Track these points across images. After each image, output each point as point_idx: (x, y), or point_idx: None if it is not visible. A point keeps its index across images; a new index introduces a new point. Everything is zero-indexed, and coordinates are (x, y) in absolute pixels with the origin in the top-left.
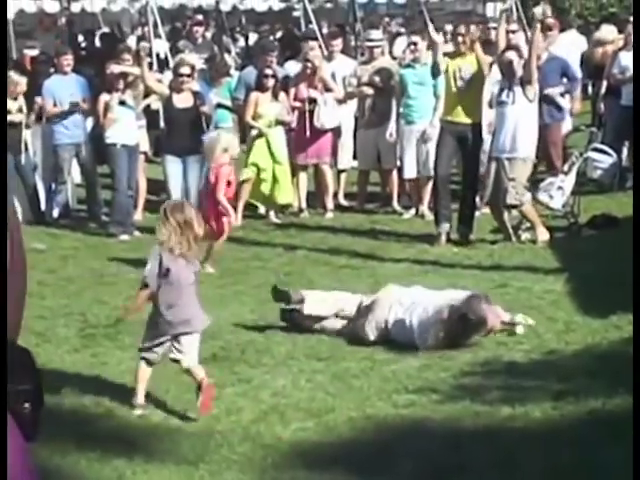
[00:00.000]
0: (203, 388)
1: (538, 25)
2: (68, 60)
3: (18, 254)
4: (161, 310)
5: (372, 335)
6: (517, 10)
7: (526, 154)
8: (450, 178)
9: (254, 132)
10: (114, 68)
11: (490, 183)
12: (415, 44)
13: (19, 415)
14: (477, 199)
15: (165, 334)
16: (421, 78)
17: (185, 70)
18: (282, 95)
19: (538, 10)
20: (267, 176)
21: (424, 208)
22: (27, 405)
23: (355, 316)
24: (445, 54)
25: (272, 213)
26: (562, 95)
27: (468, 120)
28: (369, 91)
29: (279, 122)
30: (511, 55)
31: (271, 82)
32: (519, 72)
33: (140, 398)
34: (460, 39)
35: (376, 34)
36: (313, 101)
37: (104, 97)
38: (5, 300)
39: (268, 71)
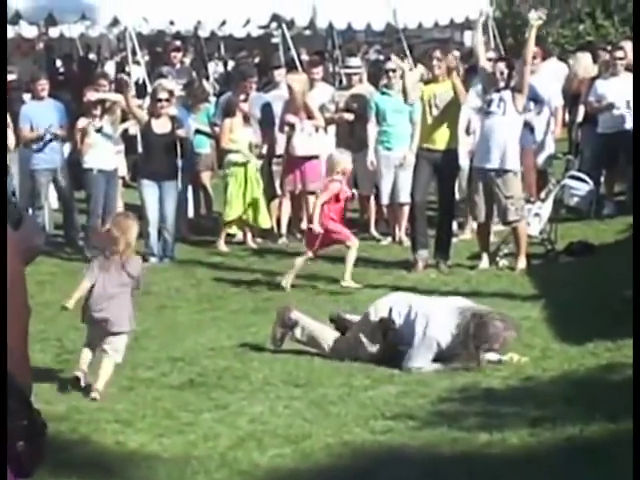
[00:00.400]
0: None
1: (533, 31)
2: (43, 85)
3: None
4: (92, 308)
5: (372, 348)
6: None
7: (516, 167)
8: (427, 205)
9: (230, 157)
10: (91, 95)
11: (480, 201)
12: (393, 71)
13: (11, 451)
14: (454, 224)
15: (96, 331)
16: (398, 105)
17: (163, 95)
18: (252, 120)
19: (533, 15)
20: (245, 201)
21: (401, 234)
22: (21, 443)
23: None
24: (421, 81)
25: (249, 238)
26: (538, 114)
27: (444, 147)
28: (349, 117)
29: (251, 146)
30: (502, 66)
31: (242, 107)
32: (510, 82)
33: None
34: (435, 63)
35: (354, 61)
36: (291, 127)
37: (81, 122)
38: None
39: (240, 97)
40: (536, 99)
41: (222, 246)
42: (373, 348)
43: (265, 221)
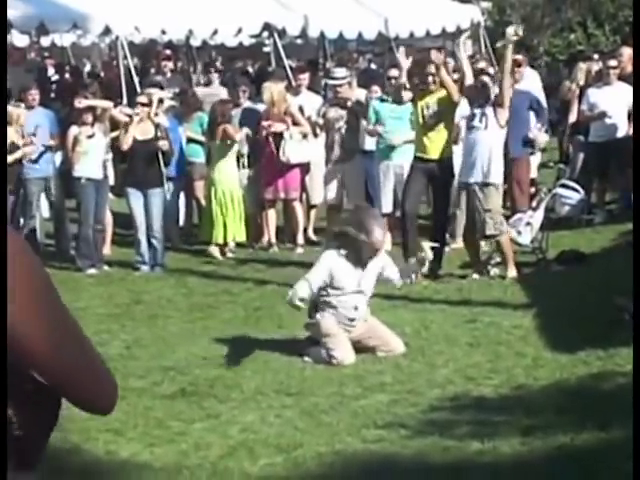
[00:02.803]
0: None
1: (510, 45)
2: (33, 95)
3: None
4: None
5: None
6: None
7: (498, 181)
8: (417, 214)
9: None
10: (80, 102)
11: (462, 215)
12: (395, 78)
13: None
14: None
15: None
16: (398, 112)
17: (142, 99)
18: (244, 129)
19: (509, 30)
20: (235, 213)
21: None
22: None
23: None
24: (413, 92)
25: (230, 246)
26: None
27: (438, 156)
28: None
29: (238, 155)
30: (485, 78)
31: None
32: (492, 96)
33: None
34: (430, 79)
35: (340, 72)
36: (279, 135)
37: (73, 131)
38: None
39: (229, 105)
40: (538, 110)
41: (214, 252)
42: None
43: (240, 233)
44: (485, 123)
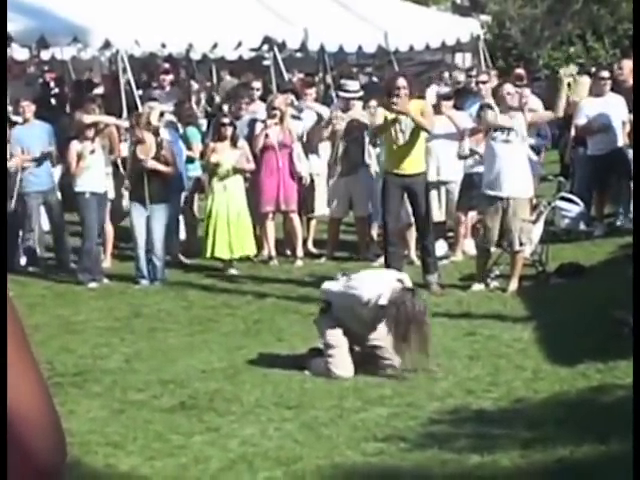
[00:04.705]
0: None
1: (564, 85)
2: (25, 107)
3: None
4: None
5: None
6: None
7: (530, 192)
8: (401, 230)
9: (214, 182)
10: (86, 117)
11: (494, 226)
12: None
13: None
14: (445, 246)
15: None
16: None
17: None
18: (242, 142)
19: (565, 70)
20: (227, 228)
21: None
22: None
23: None
24: (386, 109)
25: (233, 267)
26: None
27: (413, 171)
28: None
29: (237, 170)
30: (508, 87)
31: (229, 130)
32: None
33: None
34: (402, 92)
35: (352, 85)
36: (283, 147)
37: (75, 146)
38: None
39: (225, 119)
40: (541, 133)
41: (231, 270)
42: None
43: (249, 248)
44: (514, 135)
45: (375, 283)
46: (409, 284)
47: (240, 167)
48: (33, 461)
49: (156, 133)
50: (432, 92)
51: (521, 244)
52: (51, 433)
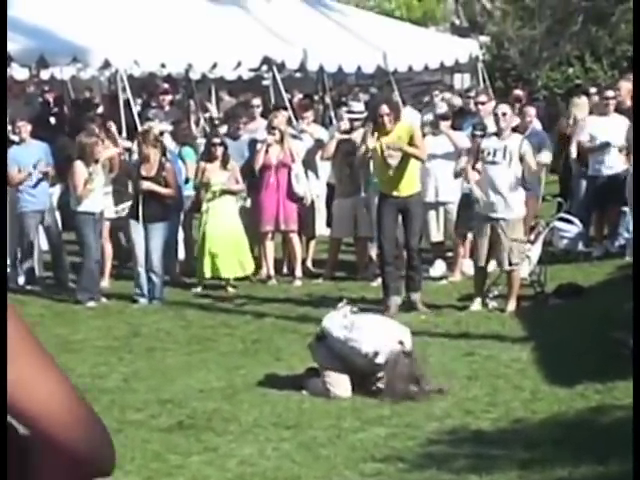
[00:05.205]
0: None
1: None
2: (20, 127)
3: None
4: None
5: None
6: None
7: (522, 213)
8: (395, 250)
9: (204, 202)
10: (101, 151)
11: (483, 244)
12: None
13: None
14: (444, 267)
15: None
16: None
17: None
18: (232, 163)
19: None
20: (221, 248)
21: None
22: None
23: None
24: (372, 133)
25: (231, 286)
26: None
27: (406, 193)
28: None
29: (226, 191)
30: (504, 107)
31: (219, 150)
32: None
33: None
34: (386, 119)
35: (357, 106)
36: (282, 166)
37: (81, 168)
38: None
39: (216, 140)
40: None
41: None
42: None
43: (247, 267)
44: (508, 158)
45: (375, 338)
46: (409, 347)
47: (228, 188)
48: (66, 454)
49: (163, 153)
50: (410, 113)
51: (511, 264)
52: (78, 426)
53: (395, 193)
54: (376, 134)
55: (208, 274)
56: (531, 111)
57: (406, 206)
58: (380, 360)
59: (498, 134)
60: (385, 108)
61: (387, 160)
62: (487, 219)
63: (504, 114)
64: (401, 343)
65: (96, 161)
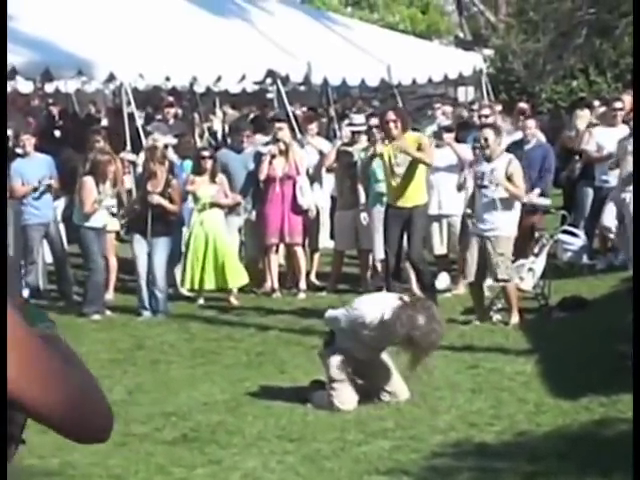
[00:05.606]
0: None
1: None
2: (24, 140)
3: None
4: None
5: None
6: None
7: (511, 232)
8: (401, 263)
9: (194, 216)
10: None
11: (472, 259)
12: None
13: None
14: (448, 279)
15: None
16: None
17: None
18: (220, 177)
19: None
20: (204, 260)
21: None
22: None
23: None
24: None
25: (233, 296)
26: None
27: (411, 203)
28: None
29: (214, 205)
30: (488, 132)
31: (208, 163)
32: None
33: None
34: (392, 125)
35: (359, 119)
36: (287, 178)
37: (90, 184)
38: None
39: (205, 153)
40: (545, 172)
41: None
42: None
43: (238, 279)
44: (495, 180)
45: (376, 305)
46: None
47: (216, 202)
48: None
49: (170, 169)
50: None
51: (497, 280)
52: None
53: (400, 203)
54: (385, 141)
55: (188, 285)
56: (531, 124)
57: (410, 217)
58: (387, 317)
59: (487, 159)
60: (391, 114)
61: (394, 168)
62: (475, 235)
63: (486, 140)
64: (401, 299)
65: (105, 179)
